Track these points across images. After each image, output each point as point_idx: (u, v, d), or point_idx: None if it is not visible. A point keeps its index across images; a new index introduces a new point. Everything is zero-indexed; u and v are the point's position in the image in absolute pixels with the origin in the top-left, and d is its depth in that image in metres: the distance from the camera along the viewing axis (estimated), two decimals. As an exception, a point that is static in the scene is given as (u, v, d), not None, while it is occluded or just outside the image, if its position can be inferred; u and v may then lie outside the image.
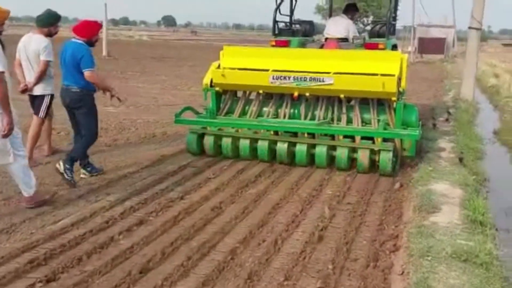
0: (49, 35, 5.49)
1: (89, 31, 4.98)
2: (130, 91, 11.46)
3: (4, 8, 4.00)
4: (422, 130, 5.78)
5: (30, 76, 5.48)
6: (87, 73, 4.85)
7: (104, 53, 22.34)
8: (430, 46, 29.87)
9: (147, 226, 3.97)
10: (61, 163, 4.80)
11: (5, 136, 3.86)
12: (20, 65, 5.52)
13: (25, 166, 4.18)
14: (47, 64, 5.43)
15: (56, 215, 4.10)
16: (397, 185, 5.04)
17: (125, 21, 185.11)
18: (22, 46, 5.47)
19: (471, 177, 4.98)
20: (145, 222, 4.04)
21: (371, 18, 46.04)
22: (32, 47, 5.41)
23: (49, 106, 5.60)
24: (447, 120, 7.69)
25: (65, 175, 4.76)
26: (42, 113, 5.56)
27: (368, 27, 11.91)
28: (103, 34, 21.59)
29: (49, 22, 5.47)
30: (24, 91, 5.48)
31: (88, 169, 5.17)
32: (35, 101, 5.55)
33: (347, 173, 5.52)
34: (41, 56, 5.37)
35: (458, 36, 36.70)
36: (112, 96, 5.17)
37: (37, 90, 5.50)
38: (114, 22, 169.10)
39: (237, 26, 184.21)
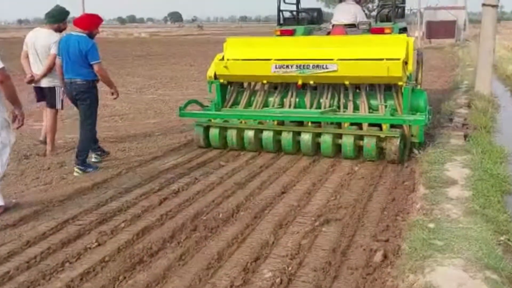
0: (58, 30, 5.62)
1: (91, 24, 5.09)
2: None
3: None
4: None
5: (37, 69, 5.59)
6: (96, 65, 4.96)
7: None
8: (439, 30, 27.38)
9: None
10: (77, 169, 5.01)
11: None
12: (27, 57, 5.65)
13: None
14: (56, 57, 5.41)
15: None
16: (378, 256, 3.14)
17: (132, 19, 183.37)
18: (30, 40, 5.61)
19: (497, 240, 3.05)
20: None
21: (376, 3, 43.51)
22: (42, 41, 5.53)
23: (62, 98, 5.61)
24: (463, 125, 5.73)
25: (88, 172, 5.02)
26: (58, 104, 5.69)
27: (374, 12, 12.03)
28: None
29: (59, 18, 5.63)
30: (30, 82, 5.61)
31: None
32: (46, 93, 5.66)
33: (306, 230, 3.63)
34: (51, 50, 5.44)
35: (470, 18, 34.10)
36: (112, 92, 5.37)
37: (45, 82, 5.61)
38: (121, 20, 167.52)
39: (243, 19, 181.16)
